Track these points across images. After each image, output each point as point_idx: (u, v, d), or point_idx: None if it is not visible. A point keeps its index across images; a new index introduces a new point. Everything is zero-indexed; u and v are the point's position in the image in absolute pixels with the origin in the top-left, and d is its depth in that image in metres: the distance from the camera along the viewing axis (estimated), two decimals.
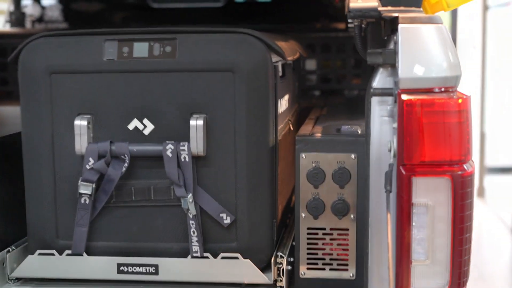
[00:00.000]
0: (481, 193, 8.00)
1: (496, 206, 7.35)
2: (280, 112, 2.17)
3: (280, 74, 2.18)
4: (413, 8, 1.84)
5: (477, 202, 7.82)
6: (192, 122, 1.99)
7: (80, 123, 2.02)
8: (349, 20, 2.14)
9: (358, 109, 2.93)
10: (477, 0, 8.16)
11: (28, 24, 4.51)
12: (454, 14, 9.20)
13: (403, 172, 1.72)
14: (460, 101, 1.73)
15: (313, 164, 2.03)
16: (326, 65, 3.73)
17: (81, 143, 2.02)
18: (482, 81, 7.99)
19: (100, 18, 4.54)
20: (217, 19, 4.34)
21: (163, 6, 4.47)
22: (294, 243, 2.11)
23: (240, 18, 4.35)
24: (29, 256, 2.08)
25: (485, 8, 7.93)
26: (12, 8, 4.47)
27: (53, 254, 2.07)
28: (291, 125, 2.42)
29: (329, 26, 3.99)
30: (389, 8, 1.79)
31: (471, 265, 5.67)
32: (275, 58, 2.07)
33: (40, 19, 4.50)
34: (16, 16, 4.44)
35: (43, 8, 4.49)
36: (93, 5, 4.59)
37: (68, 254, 2.06)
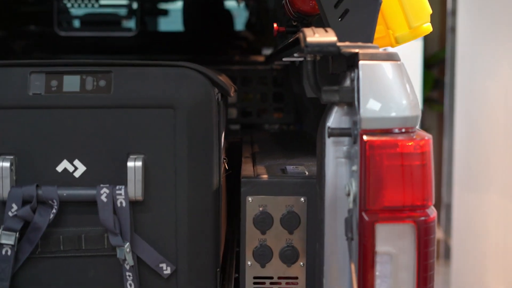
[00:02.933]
0: None
1: None
2: None
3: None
4: (369, 44, 1.74)
5: None
6: (130, 164, 1.82)
7: (2, 164, 1.80)
8: (295, 55, 2.03)
9: (288, 146, 2.84)
10: None
11: None
12: None
13: (366, 218, 1.61)
14: (422, 142, 1.64)
15: (260, 208, 1.89)
16: (246, 98, 3.63)
17: (3, 187, 1.80)
18: None
19: (1, 45, 4.26)
20: (129, 49, 4.16)
21: (71, 34, 4.26)
22: None
23: (153, 48, 4.20)
24: None
25: None
26: None
27: None
28: (225, 164, 2.28)
29: (249, 58, 3.90)
30: (348, 43, 1.69)
31: None
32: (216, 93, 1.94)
33: None
34: None
35: None
36: None
37: None
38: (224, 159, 2.26)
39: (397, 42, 1.98)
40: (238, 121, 3.64)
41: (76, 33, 4.34)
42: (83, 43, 4.22)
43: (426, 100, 7.13)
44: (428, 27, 1.97)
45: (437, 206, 6.94)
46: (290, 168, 2.02)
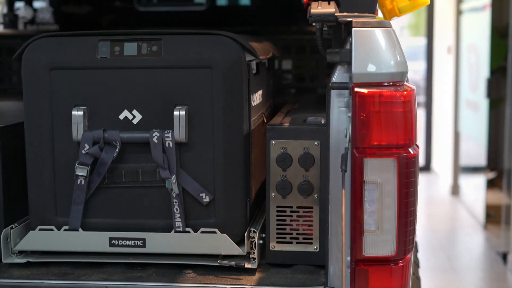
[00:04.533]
0: (456, 191, 8.32)
1: (469, 204, 7.66)
2: (253, 105, 2.44)
3: (254, 71, 2.45)
4: (366, 14, 2.12)
5: (451, 200, 8.13)
6: (176, 113, 2.26)
7: (77, 113, 2.28)
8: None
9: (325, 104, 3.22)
10: (451, 5, 8.49)
11: (20, 26, 4.77)
12: (430, 18, 9.54)
13: (356, 154, 2.01)
14: (404, 93, 2.01)
15: (281, 150, 2.30)
16: (301, 65, 4.01)
17: (78, 131, 2.29)
18: (456, 83, 8.32)
19: (88, 20, 4.81)
20: (200, 22, 4.61)
21: (148, 9, 4.76)
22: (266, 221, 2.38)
23: (222, 21, 4.63)
24: (31, 232, 2.35)
25: (459, 12, 8.26)
26: (5, 10, 4.73)
27: (52, 230, 2.34)
28: (264, 118, 2.69)
29: (304, 29, 4.27)
30: (345, 13, 2.08)
31: (445, 257, 6.04)
32: (248, 56, 2.35)
33: (32, 21, 4.76)
34: (9, 18, 4.71)
35: (35, 10, 4.75)
36: (82, 7, 4.86)
37: (65, 229, 2.33)
38: (263, 113, 2.69)
39: (400, 12, 2.34)
40: (293, 85, 4.03)
41: (153, 8, 4.83)
42: (159, 17, 4.70)
43: (499, 69, 7.26)
44: None
45: (501, 173, 7.11)
46: (311, 119, 2.42)
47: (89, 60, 2.30)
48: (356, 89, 2.00)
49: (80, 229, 2.33)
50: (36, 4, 4.79)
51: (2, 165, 2.37)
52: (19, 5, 4.79)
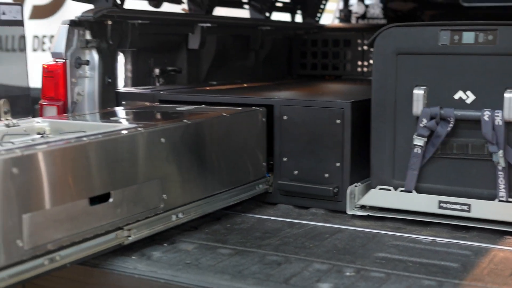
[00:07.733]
0: None
1: None
2: None
3: None
4: None
5: None
6: (507, 95, 2.54)
7: (418, 92, 2.67)
8: None
9: None
10: None
11: (353, 20, 5.31)
12: None
13: None
14: None
15: None
16: None
17: (418, 107, 2.67)
18: None
19: (412, 15, 5.19)
20: None
21: (473, 5, 4.99)
22: None
23: None
24: (371, 190, 2.79)
25: None
26: (341, 6, 5.31)
27: (389, 190, 2.75)
28: None
29: None
30: None
31: None
32: None
33: (363, 16, 5.27)
34: (344, 13, 5.28)
35: (366, 6, 5.26)
36: (408, 4, 5.26)
37: (401, 191, 2.73)
38: None
39: None
40: None
41: (478, 3, 5.04)
42: (483, 12, 4.90)
43: None
44: None
45: None
46: None
47: (431, 46, 2.66)
48: None
49: (413, 191, 2.71)
50: (368, 1, 5.30)
51: (352, 134, 2.83)
52: (352, 1, 5.34)
